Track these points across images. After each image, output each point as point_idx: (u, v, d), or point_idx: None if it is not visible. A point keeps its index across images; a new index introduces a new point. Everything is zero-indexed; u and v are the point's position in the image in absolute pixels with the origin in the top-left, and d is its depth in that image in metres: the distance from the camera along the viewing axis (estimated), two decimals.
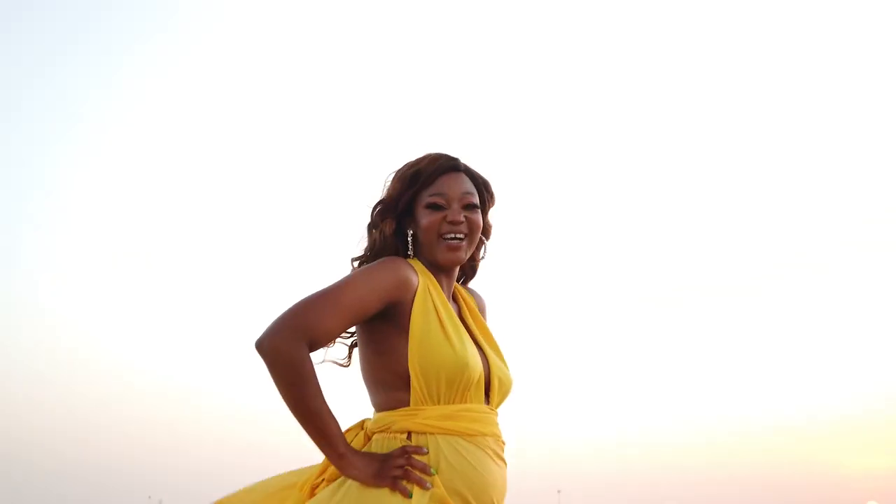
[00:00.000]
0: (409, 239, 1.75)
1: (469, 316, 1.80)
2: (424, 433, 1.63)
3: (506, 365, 1.78)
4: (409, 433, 1.64)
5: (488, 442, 1.67)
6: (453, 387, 1.62)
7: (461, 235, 1.72)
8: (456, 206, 1.72)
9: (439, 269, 1.74)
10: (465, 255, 1.74)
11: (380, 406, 1.69)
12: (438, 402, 1.63)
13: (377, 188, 1.80)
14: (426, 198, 1.73)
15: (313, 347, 1.58)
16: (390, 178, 1.77)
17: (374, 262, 1.67)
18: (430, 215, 1.72)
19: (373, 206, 1.79)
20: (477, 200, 1.76)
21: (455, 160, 1.76)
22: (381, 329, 1.66)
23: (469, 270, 1.89)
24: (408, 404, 1.64)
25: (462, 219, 1.72)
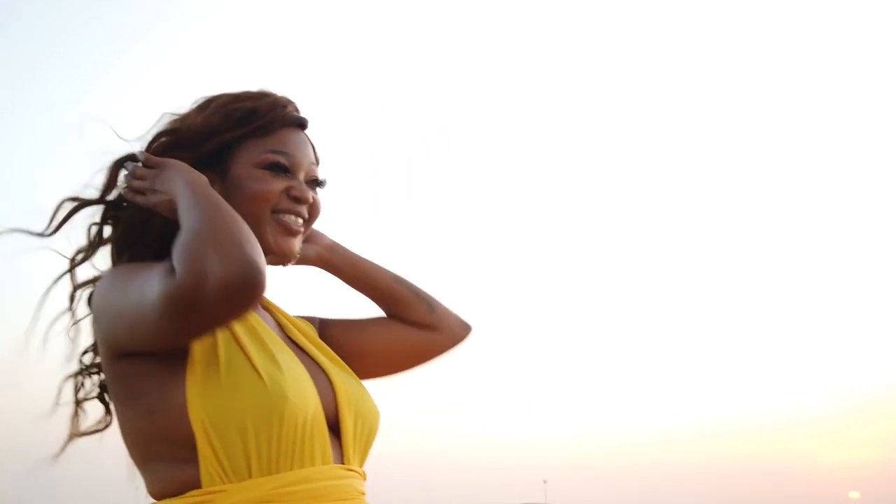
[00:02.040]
0: None
1: (295, 331, 1.18)
2: None
3: (365, 392, 1.18)
4: None
5: None
6: (271, 444, 1.00)
7: (301, 220, 1.15)
8: (301, 176, 1.15)
9: None
10: (298, 250, 1.16)
11: (156, 493, 1.05)
12: (249, 476, 1.00)
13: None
14: (262, 151, 1.12)
15: None
16: (196, 105, 1.15)
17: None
18: (265, 179, 1.12)
19: (152, 139, 1.14)
20: (319, 176, 1.19)
21: (304, 117, 1.19)
22: (140, 369, 1.03)
23: None
24: (198, 485, 1.01)
25: (310, 196, 1.15)
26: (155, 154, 1.11)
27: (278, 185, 1.12)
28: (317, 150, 1.21)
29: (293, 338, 1.17)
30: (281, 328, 1.17)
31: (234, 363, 1.01)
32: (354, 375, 1.18)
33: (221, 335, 1.03)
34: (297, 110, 1.19)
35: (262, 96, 1.16)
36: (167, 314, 0.92)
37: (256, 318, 1.09)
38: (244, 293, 0.91)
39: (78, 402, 1.13)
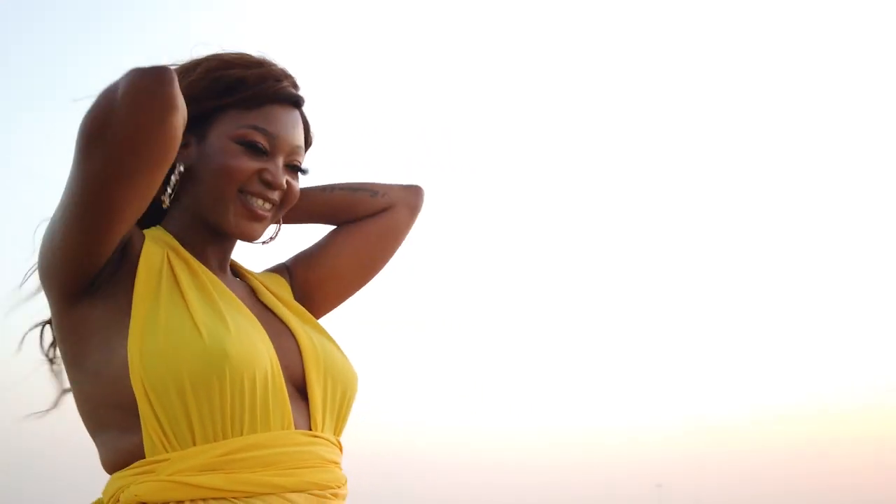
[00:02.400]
0: (173, 177, 1.04)
1: (268, 294, 1.12)
2: (167, 502, 0.93)
3: (341, 353, 1.10)
4: None
5: (300, 502, 0.96)
6: (213, 406, 0.93)
7: (270, 205, 1.07)
8: (281, 160, 1.07)
9: (210, 234, 1.08)
10: (262, 233, 1.09)
11: (108, 464, 0.99)
12: (193, 443, 0.93)
13: None
14: (241, 125, 1.05)
15: None
16: (186, 65, 1.08)
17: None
18: (237, 156, 1.04)
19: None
20: (302, 163, 1.12)
21: (299, 90, 1.11)
22: (84, 328, 0.98)
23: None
24: (142, 455, 0.94)
25: (283, 183, 1.07)
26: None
27: (251, 164, 1.05)
28: (311, 132, 1.14)
29: (265, 301, 1.10)
30: (254, 293, 1.12)
31: (174, 320, 0.95)
32: (330, 338, 1.11)
33: (166, 291, 0.98)
34: (293, 86, 1.10)
35: (254, 65, 1.07)
36: (85, 151, 0.90)
37: (212, 277, 1.04)
38: (147, 89, 0.89)
39: (50, 359, 1.07)
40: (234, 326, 0.97)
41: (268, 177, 1.05)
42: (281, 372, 0.99)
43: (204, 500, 0.92)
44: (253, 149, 1.05)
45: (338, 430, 1.06)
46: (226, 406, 0.93)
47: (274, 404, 0.97)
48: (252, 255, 1.17)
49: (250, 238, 1.07)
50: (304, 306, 1.15)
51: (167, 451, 0.93)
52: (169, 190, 1.04)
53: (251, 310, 1.05)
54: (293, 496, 0.95)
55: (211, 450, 0.93)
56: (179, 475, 0.92)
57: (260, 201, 1.06)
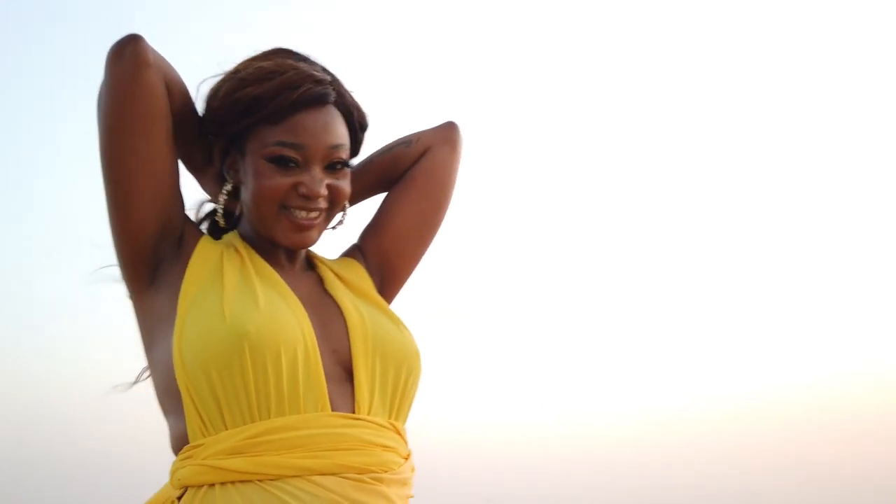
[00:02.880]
0: (221, 197, 1.08)
1: (335, 281, 1.10)
2: (199, 486, 0.95)
3: (402, 334, 1.07)
4: (186, 489, 0.97)
5: (332, 486, 0.93)
6: (237, 389, 0.94)
7: (316, 213, 1.05)
8: (317, 168, 1.04)
9: (272, 245, 1.09)
10: (318, 236, 1.07)
11: (172, 449, 1.03)
12: (224, 427, 0.95)
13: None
14: (269, 143, 1.03)
15: None
16: (209, 86, 1.08)
17: None
18: (271, 174, 1.03)
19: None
20: (348, 153, 1.09)
21: (324, 86, 1.06)
22: (149, 319, 1.03)
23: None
24: (188, 441, 0.97)
25: (324, 191, 1.04)
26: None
27: (285, 180, 1.03)
28: (358, 114, 1.10)
29: (327, 288, 1.08)
30: (322, 283, 1.10)
31: (206, 307, 0.97)
32: (395, 319, 1.09)
33: (209, 282, 1.00)
34: (315, 83, 1.05)
35: (268, 77, 1.03)
36: (97, 129, 1.00)
37: (261, 265, 1.05)
38: (118, 53, 0.97)
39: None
40: (264, 307, 0.97)
41: (303, 190, 1.03)
42: (318, 353, 0.97)
43: (233, 482, 0.93)
44: (284, 164, 1.03)
45: (395, 414, 1.03)
46: (250, 389, 0.94)
47: (306, 386, 0.95)
48: (336, 239, 1.19)
49: (304, 246, 1.07)
50: (385, 276, 1.16)
51: (204, 437, 0.95)
52: (220, 210, 1.08)
53: (307, 297, 1.04)
54: (322, 479, 0.93)
55: (238, 433, 0.93)
56: (210, 459, 0.94)
57: (303, 213, 1.04)
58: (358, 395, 0.99)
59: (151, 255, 1.02)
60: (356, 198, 1.19)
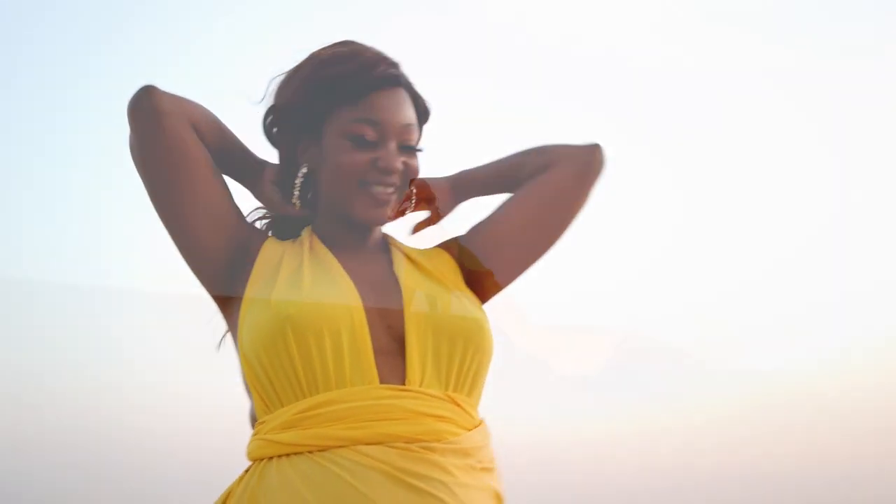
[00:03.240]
0: (297, 180, 1.13)
1: (402, 263, 1.14)
2: (261, 459, 1.02)
3: (466, 308, 1.10)
4: (251, 465, 1.04)
5: (377, 455, 0.95)
6: (284, 366, 1.00)
7: (391, 188, 1.11)
8: (393, 144, 1.11)
9: (345, 224, 1.14)
10: (391, 214, 1.14)
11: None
12: (281, 406, 1.01)
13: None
14: (349, 121, 1.09)
15: None
16: (285, 77, 1.15)
17: None
18: (350, 151, 1.09)
19: (265, 116, 1.16)
20: (419, 136, 1.15)
21: (397, 68, 1.13)
22: (230, 320, 1.12)
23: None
24: (258, 418, 1.07)
25: (400, 165, 1.11)
26: (266, 132, 1.16)
27: (363, 156, 1.10)
28: (423, 102, 1.17)
29: (396, 270, 1.12)
30: (391, 264, 1.13)
31: (259, 300, 1.04)
32: (465, 301, 1.10)
33: (269, 276, 1.06)
34: (390, 66, 1.13)
35: (346, 59, 1.11)
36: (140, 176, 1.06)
37: (321, 249, 1.10)
38: (136, 107, 1.03)
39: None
40: (309, 289, 1.03)
41: (382, 164, 1.10)
42: (366, 328, 1.01)
43: (287, 455, 0.98)
44: (362, 141, 1.10)
45: (455, 386, 1.04)
46: (297, 367, 1.00)
47: (352, 361, 0.99)
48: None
49: (378, 222, 1.13)
50: (484, 274, 1.17)
51: (265, 415, 1.03)
52: (296, 193, 1.13)
53: (370, 276, 1.08)
54: (367, 448, 0.96)
55: (290, 409, 1.00)
56: (268, 434, 1.01)
57: (380, 188, 1.11)
58: (409, 368, 1.02)
59: (225, 273, 1.09)
60: (477, 189, 1.22)
